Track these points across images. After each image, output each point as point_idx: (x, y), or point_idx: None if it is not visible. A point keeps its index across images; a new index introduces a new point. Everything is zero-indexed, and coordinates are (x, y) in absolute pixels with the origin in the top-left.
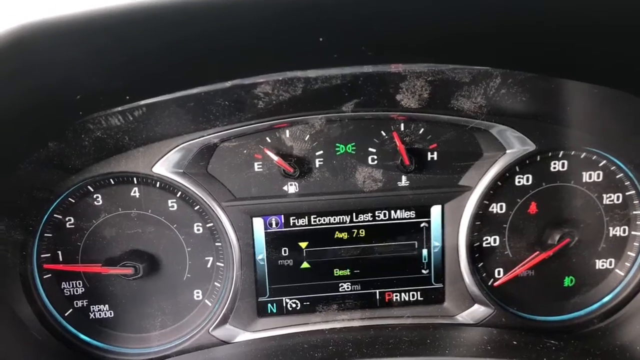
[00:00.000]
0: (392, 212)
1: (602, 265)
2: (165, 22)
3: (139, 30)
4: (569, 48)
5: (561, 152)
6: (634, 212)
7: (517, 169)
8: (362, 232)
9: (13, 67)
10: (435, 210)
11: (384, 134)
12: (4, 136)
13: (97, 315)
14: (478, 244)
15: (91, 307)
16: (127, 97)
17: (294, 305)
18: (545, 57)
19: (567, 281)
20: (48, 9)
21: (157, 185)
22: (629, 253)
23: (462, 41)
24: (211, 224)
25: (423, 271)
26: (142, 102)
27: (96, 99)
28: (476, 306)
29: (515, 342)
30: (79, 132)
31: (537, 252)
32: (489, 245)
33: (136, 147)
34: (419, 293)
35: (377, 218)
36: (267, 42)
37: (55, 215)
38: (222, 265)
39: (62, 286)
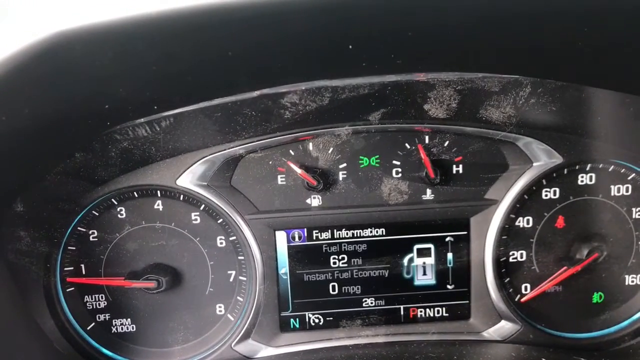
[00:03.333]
0: (417, 225)
1: (632, 281)
2: (197, 31)
3: (172, 39)
4: (600, 56)
5: (589, 165)
6: None
7: (544, 182)
8: (387, 245)
9: (44, 76)
10: (461, 224)
11: (408, 146)
12: (32, 146)
13: (119, 329)
14: (504, 258)
15: (113, 321)
16: (155, 107)
17: (317, 321)
18: (576, 65)
19: (596, 297)
20: (80, 16)
21: (181, 198)
22: None
23: (492, 49)
24: (234, 237)
25: (448, 286)
26: (170, 113)
27: (124, 109)
28: (503, 322)
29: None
30: (106, 142)
31: (565, 267)
32: (515, 260)
33: (162, 158)
34: (444, 309)
35: (402, 231)
36: (296, 50)
37: (79, 228)
38: (244, 279)
39: (85, 299)
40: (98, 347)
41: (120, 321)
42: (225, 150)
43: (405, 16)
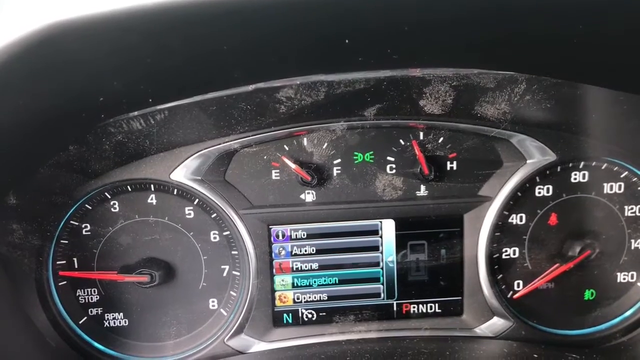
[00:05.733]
0: (411, 221)
1: (624, 279)
2: (192, 24)
3: (167, 31)
4: (595, 53)
5: (582, 163)
6: None
7: (538, 180)
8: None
9: (38, 67)
10: (455, 221)
11: (402, 142)
12: (26, 139)
13: (112, 324)
14: (497, 255)
15: (106, 315)
16: (150, 100)
17: (310, 316)
18: (571, 62)
19: (588, 294)
20: (75, 8)
21: (175, 192)
22: None
23: (488, 45)
24: (228, 232)
25: (441, 282)
26: (165, 106)
27: (119, 102)
28: (495, 319)
29: (535, 356)
30: (100, 135)
31: (557, 264)
32: (508, 256)
33: (156, 152)
34: (437, 305)
35: (396, 227)
36: (292, 45)
37: (71, 221)
38: (238, 274)
39: (77, 293)
40: (90, 341)
41: (113, 315)
42: (219, 144)
43: (402, 10)
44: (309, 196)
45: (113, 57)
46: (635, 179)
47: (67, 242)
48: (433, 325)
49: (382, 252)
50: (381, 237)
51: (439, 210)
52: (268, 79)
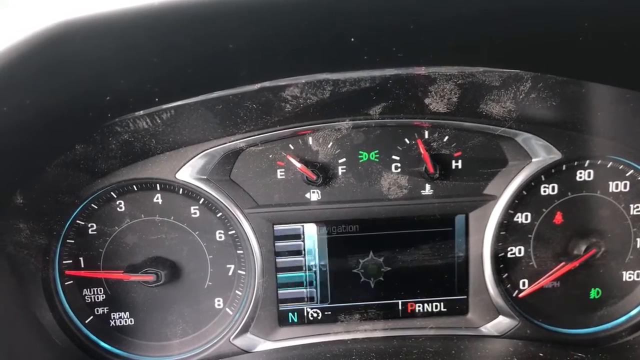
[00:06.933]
0: (416, 220)
1: (629, 277)
2: (199, 23)
3: (173, 31)
4: (601, 51)
5: (587, 162)
6: None
7: (543, 178)
8: (385, 240)
9: (45, 66)
10: (460, 220)
11: (407, 141)
12: (32, 138)
13: (118, 323)
14: (503, 254)
15: (112, 314)
16: (156, 99)
17: (315, 315)
18: (577, 60)
19: (594, 293)
20: (82, 7)
21: (180, 191)
22: None
23: (494, 43)
24: (233, 232)
25: (446, 281)
26: (171, 105)
27: (125, 101)
28: (500, 318)
29: (541, 354)
30: (107, 134)
31: (563, 263)
32: (513, 255)
33: (162, 151)
34: (442, 304)
35: (401, 226)
36: (298, 43)
37: (77, 221)
38: (243, 273)
39: (84, 293)
40: (96, 340)
41: (119, 314)
42: (225, 143)
43: (408, 9)
44: (314, 195)
45: (120, 57)
46: None
47: (73, 241)
48: (438, 324)
49: None
50: None
51: (444, 209)
52: (274, 77)
